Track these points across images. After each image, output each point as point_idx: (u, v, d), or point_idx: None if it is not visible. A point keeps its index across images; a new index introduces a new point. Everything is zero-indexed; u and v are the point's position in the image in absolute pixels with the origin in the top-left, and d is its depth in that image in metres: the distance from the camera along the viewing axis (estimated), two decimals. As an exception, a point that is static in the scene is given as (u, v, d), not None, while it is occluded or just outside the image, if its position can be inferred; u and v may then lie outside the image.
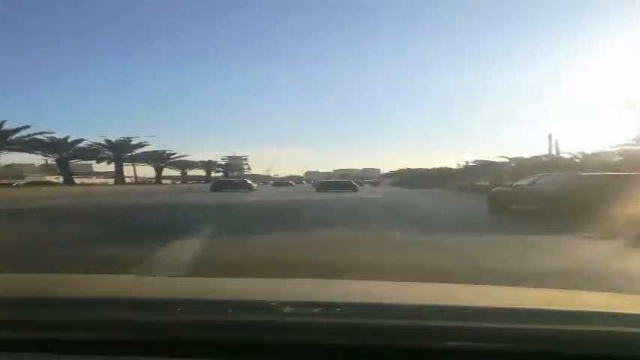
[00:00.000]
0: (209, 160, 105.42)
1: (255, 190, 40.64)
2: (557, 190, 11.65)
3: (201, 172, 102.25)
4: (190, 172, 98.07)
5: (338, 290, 1.49)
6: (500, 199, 14.27)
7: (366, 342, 0.95)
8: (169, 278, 1.73)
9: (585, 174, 14.24)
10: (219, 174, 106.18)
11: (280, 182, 74.92)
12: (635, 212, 8.87)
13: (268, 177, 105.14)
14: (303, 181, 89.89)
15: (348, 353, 0.94)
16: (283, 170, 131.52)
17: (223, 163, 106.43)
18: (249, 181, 45.00)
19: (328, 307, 1.10)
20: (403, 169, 71.82)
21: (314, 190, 41.43)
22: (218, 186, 40.89)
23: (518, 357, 0.92)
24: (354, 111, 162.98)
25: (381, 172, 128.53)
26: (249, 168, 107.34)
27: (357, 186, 38.84)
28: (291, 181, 79.34)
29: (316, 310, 1.08)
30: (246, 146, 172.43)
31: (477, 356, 0.92)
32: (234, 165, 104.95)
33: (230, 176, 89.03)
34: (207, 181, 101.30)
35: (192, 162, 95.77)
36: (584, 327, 0.96)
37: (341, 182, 42.20)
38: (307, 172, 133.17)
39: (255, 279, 2.50)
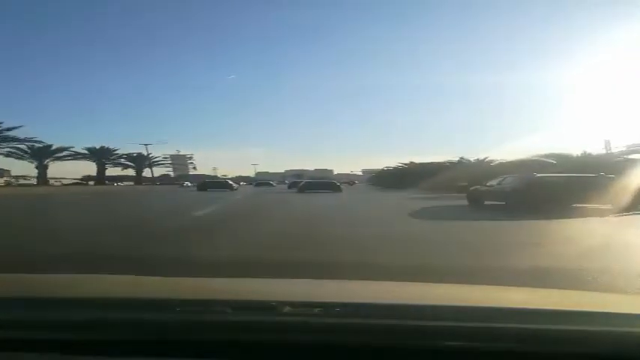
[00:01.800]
0: (102, 147, 67.98)
1: (236, 189, 43.28)
2: (516, 187, 15.67)
3: (87, 167, 64.27)
4: (54, 167, 63.47)
5: (338, 290, 1.50)
6: (478, 195, 18.35)
7: (365, 342, 0.97)
8: (169, 278, 1.83)
9: (538, 175, 17.76)
10: (129, 169, 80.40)
11: (261, 182, 74.89)
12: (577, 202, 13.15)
13: (215, 177, 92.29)
14: (286, 181, 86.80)
15: (347, 353, 0.96)
16: (231, 170, 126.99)
17: (135, 154, 76.69)
18: (230, 182, 48.74)
19: (328, 307, 1.12)
20: (383, 169, 68.52)
21: (289, 190, 41.91)
22: (205, 186, 43.78)
23: (519, 357, 0.93)
24: (303, 112, 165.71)
25: (334, 172, 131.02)
26: (194, 167, 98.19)
27: (341, 187, 39.49)
28: (271, 182, 77.40)
29: (316, 310, 1.09)
30: (189, 144, 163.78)
31: (477, 356, 0.94)
32: (176, 161, 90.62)
33: (180, 175, 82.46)
34: (98, 182, 63.37)
35: (52, 149, 57.90)
36: (584, 327, 0.99)
37: (325, 183, 42.91)
38: (258, 172, 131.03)
39: (255, 279, 2.55)
